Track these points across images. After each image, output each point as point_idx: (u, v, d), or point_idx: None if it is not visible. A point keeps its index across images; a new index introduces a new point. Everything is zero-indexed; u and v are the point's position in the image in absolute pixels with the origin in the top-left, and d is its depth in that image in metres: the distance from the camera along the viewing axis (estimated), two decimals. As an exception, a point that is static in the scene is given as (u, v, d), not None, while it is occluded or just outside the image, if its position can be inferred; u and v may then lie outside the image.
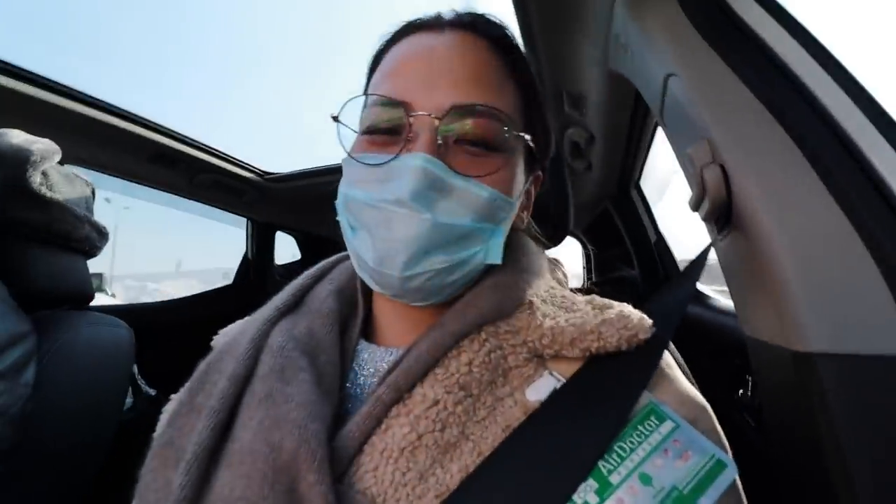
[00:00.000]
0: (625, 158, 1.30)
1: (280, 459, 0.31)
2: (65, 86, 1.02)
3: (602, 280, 2.40)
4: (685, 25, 0.53)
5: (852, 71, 0.46)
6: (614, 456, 0.31)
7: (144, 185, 1.46)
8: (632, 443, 0.32)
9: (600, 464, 0.31)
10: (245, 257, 2.07)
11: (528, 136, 0.41)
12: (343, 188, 0.40)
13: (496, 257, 0.39)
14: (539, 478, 0.31)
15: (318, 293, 0.45)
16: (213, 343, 0.46)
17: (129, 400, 1.13)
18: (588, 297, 0.43)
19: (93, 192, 1.00)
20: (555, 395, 0.35)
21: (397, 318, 0.43)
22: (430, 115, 0.36)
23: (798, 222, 0.43)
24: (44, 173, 0.82)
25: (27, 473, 0.66)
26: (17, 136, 0.81)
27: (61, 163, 0.97)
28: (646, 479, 0.30)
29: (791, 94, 0.47)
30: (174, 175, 1.45)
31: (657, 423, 0.33)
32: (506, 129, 0.38)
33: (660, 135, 1.16)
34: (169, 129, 1.31)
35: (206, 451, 0.33)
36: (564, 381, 0.36)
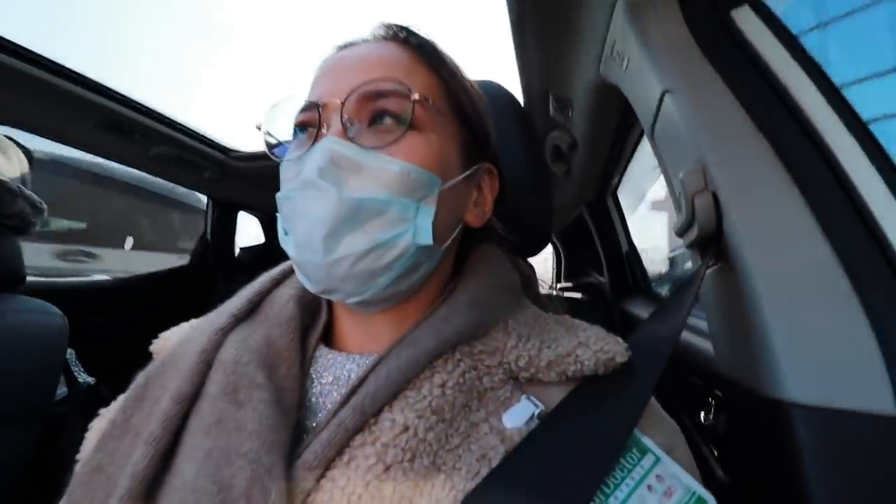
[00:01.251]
0: (605, 166, 1.29)
1: (230, 499, 0.28)
2: (2, 38, 0.90)
3: (571, 285, 2.42)
4: (687, 39, 0.50)
5: (856, 108, 0.44)
6: (599, 493, 0.29)
7: (95, 154, 1.34)
8: (615, 478, 0.30)
9: None
10: (203, 237, 1.96)
11: (450, 114, 0.41)
12: (278, 195, 0.39)
13: (426, 237, 0.37)
14: None
15: (277, 298, 0.42)
16: (152, 349, 0.42)
17: (63, 390, 1.03)
18: (558, 318, 0.42)
19: (31, 162, 0.90)
20: (537, 428, 0.32)
21: (357, 324, 0.41)
22: (335, 101, 0.36)
23: (788, 262, 0.42)
24: (-34, 137, 0.73)
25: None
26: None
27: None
28: None
29: (792, 126, 0.45)
30: (128, 146, 1.34)
31: (639, 455, 0.31)
32: (415, 99, 0.37)
33: (643, 145, 1.15)
34: (123, 95, 1.19)
35: (143, 485, 0.30)
36: (542, 407, 0.34)
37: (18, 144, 0.86)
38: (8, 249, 0.78)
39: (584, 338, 0.36)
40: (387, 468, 0.30)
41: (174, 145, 1.43)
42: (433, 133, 0.39)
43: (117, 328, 1.32)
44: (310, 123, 0.38)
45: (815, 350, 0.39)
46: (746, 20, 0.49)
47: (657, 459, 0.31)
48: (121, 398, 0.37)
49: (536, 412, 0.33)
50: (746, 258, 0.43)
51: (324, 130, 0.37)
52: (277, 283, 0.45)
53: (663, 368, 0.35)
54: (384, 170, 0.35)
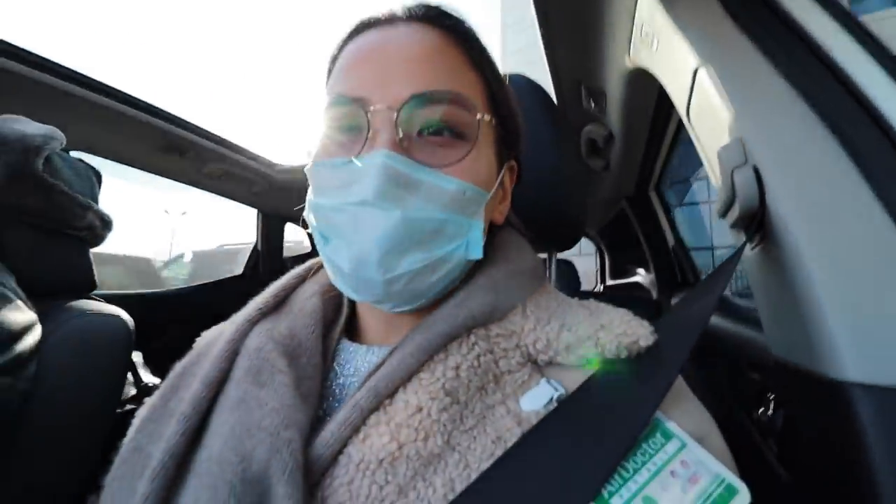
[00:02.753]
0: (645, 158, 1.24)
1: (250, 470, 0.29)
2: (74, 71, 1.00)
3: (616, 284, 2.34)
4: (718, 13, 0.48)
5: None
6: (616, 476, 0.28)
7: (154, 173, 1.45)
8: (635, 462, 0.29)
9: None
10: (255, 248, 2.07)
11: (493, 120, 0.39)
12: (310, 197, 0.38)
13: (477, 252, 0.37)
14: (536, 502, 0.27)
15: (303, 293, 0.44)
16: (194, 344, 0.44)
17: (133, 391, 1.12)
18: (584, 302, 0.40)
19: (98, 180, 0.98)
20: (555, 409, 0.31)
21: (380, 319, 0.42)
22: (387, 107, 0.34)
23: (839, 234, 0.39)
24: (47, 159, 0.81)
25: (19, 468, 0.64)
26: (21, 122, 0.79)
27: (68, 150, 0.96)
28: None
29: (836, 90, 0.42)
30: (184, 165, 1.44)
31: (663, 440, 0.30)
32: (468, 113, 0.36)
33: (684, 136, 1.10)
34: (180, 119, 1.29)
35: (174, 459, 0.32)
36: (562, 391, 0.33)
37: (89, 166, 0.94)
38: (80, 258, 0.86)
39: (607, 321, 0.35)
40: (400, 446, 0.30)
41: (225, 162, 1.53)
42: (484, 147, 0.38)
43: (180, 333, 1.41)
44: (355, 128, 0.36)
45: (876, 326, 0.36)
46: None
47: (683, 445, 0.29)
48: (160, 387, 0.39)
49: (556, 395, 0.33)
50: (794, 233, 0.41)
51: (368, 135, 0.34)
52: (303, 279, 0.46)
53: (690, 350, 0.34)
54: (442, 189, 0.34)
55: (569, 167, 0.68)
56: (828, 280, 0.38)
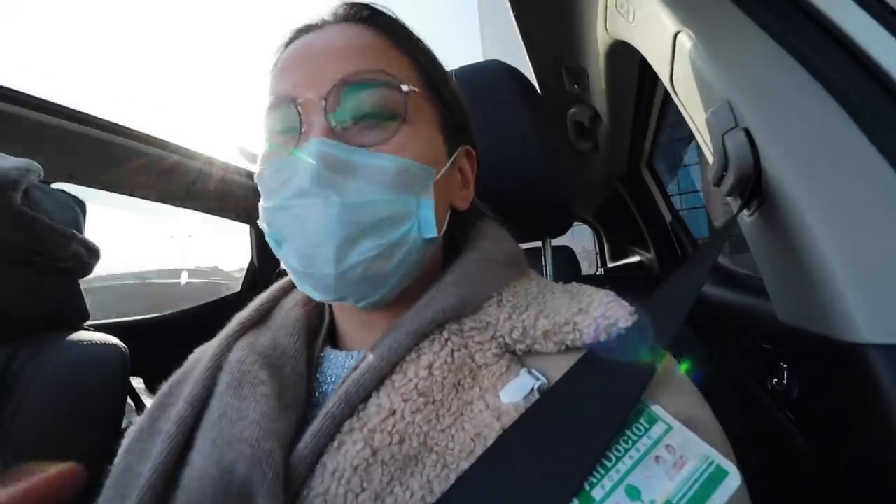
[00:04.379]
0: (633, 135, 1.23)
1: (233, 483, 0.30)
2: (48, 101, 0.98)
3: (617, 266, 2.33)
4: (694, -26, 0.46)
5: None
6: (598, 466, 0.26)
7: (140, 198, 1.43)
8: (618, 450, 0.27)
9: None
10: (251, 264, 2.05)
11: (429, 97, 0.39)
12: (260, 203, 0.38)
13: (430, 231, 0.36)
14: (518, 501, 0.26)
15: (286, 305, 0.43)
16: (185, 363, 0.44)
17: (136, 418, 1.11)
18: (568, 286, 0.39)
19: (83, 210, 0.97)
20: (536, 402, 0.30)
21: (355, 322, 0.41)
22: (317, 98, 0.34)
23: (840, 189, 0.37)
24: (25, 192, 0.79)
25: None
26: (-5, 157, 0.77)
27: (48, 181, 0.94)
28: (633, 493, 0.25)
29: (824, 40, 0.40)
30: (170, 185, 1.42)
31: (647, 425, 0.28)
32: (397, 91, 0.35)
33: (672, 108, 1.08)
34: (160, 140, 1.27)
35: (161, 477, 0.32)
36: (543, 380, 0.32)
37: (71, 196, 0.93)
38: (69, 291, 0.85)
39: (586, 304, 0.34)
40: (374, 452, 0.30)
41: (212, 179, 1.51)
42: (420, 123, 0.38)
43: (180, 357, 1.40)
44: (289, 124, 0.36)
45: (888, 283, 0.34)
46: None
47: (668, 428, 0.28)
48: (149, 406, 0.39)
49: (537, 385, 0.31)
50: (793, 193, 0.39)
51: (304, 129, 0.35)
52: (286, 291, 0.46)
53: (676, 329, 0.32)
54: (381, 168, 0.34)
55: (554, 152, 0.66)
56: (833, 239, 0.36)
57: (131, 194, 1.40)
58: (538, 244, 0.81)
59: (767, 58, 0.42)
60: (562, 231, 0.74)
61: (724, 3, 0.45)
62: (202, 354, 0.41)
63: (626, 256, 2.16)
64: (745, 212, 0.48)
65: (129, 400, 0.93)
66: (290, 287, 0.46)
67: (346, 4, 0.40)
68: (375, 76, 0.35)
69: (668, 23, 0.49)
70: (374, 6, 0.41)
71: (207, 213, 1.70)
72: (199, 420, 0.34)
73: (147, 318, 1.73)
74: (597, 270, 2.60)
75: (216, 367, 0.37)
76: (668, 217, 1.48)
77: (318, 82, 0.35)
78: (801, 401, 0.51)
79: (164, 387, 0.40)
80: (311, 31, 0.39)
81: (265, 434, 0.31)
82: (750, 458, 0.40)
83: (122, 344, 0.82)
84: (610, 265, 2.44)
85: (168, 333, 1.64)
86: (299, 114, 0.34)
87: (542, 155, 0.65)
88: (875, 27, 0.38)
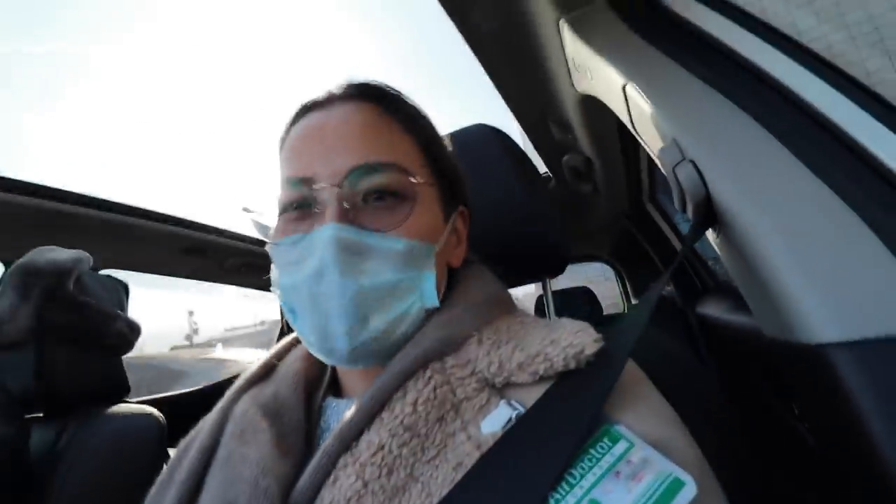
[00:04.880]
0: (629, 174, 1.28)
1: None
2: (90, 197, 1.12)
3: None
4: (628, 35, 0.54)
5: (796, 38, 0.44)
6: (563, 484, 0.28)
7: (178, 277, 1.55)
8: (582, 468, 0.29)
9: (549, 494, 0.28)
10: (281, 330, 2.13)
11: (432, 177, 0.42)
12: (274, 274, 0.41)
13: (432, 300, 0.40)
14: None
15: (290, 358, 0.47)
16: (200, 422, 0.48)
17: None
18: (548, 321, 0.41)
19: (126, 291, 1.07)
20: (510, 429, 0.32)
21: (356, 373, 0.44)
22: (331, 185, 0.37)
23: (780, 206, 0.40)
24: (77, 279, 0.90)
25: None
26: (52, 251, 0.89)
27: (97, 269, 1.05)
28: None
29: (747, 79, 0.46)
30: (205, 264, 1.54)
31: (610, 444, 0.30)
32: (406, 177, 0.39)
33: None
34: (196, 222, 1.40)
35: None
36: (521, 409, 0.34)
37: (116, 279, 1.03)
38: (112, 367, 0.93)
39: (557, 335, 0.36)
40: (365, 483, 0.32)
41: (243, 255, 1.63)
42: (426, 204, 0.41)
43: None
44: (302, 202, 0.39)
45: (837, 286, 0.36)
46: (675, 1, 0.52)
47: (630, 446, 0.30)
48: (168, 463, 0.43)
49: (514, 415, 0.33)
50: (740, 215, 0.42)
51: (317, 210, 0.38)
52: (293, 345, 0.49)
53: (629, 348, 0.35)
54: (392, 250, 0.37)
55: (541, 200, 0.72)
56: (779, 251, 0.39)
57: (171, 274, 1.52)
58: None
59: (700, 97, 0.47)
60: (559, 271, 0.78)
61: (658, 56, 0.51)
62: (212, 412, 0.44)
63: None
64: (714, 235, 0.51)
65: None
66: (296, 342, 0.49)
67: (354, 83, 0.43)
68: (386, 165, 0.39)
69: (616, 78, 0.56)
70: (379, 84, 0.44)
71: (241, 286, 1.81)
72: (208, 467, 0.38)
73: (184, 392, 1.81)
74: (624, 308, 2.56)
75: (224, 418, 0.41)
76: (678, 248, 1.49)
77: (332, 167, 0.38)
78: (801, 417, 0.51)
79: (182, 443, 0.43)
80: (319, 107, 0.42)
81: (263, 473, 0.34)
82: (769, 471, 0.41)
83: (159, 413, 0.88)
84: (634, 301, 2.40)
85: (204, 405, 1.70)
86: (315, 197, 0.38)
87: (529, 204, 0.71)
88: (787, 61, 0.44)
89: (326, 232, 0.36)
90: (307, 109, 0.43)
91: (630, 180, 1.31)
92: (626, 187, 1.36)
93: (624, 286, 2.47)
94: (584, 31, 0.59)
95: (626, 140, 1.04)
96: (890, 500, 0.32)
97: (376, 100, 0.43)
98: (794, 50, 0.44)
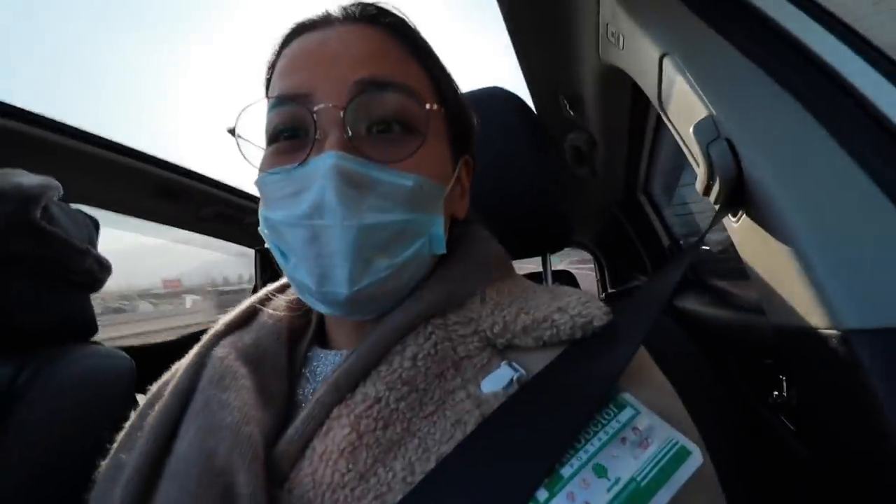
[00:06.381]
0: (629, 162, 1.27)
1: (215, 466, 0.31)
2: (66, 125, 1.04)
3: (617, 291, 2.34)
4: (674, 4, 0.51)
5: (852, 23, 0.43)
6: (568, 449, 0.28)
7: (149, 220, 1.47)
8: (587, 433, 0.28)
9: None
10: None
11: (443, 111, 0.39)
12: (262, 211, 0.37)
13: (440, 247, 0.38)
14: (494, 483, 0.27)
15: (272, 307, 0.44)
16: (173, 366, 0.45)
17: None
18: (550, 287, 0.40)
19: (96, 226, 1.00)
20: (515, 392, 0.31)
21: (347, 324, 0.41)
22: (333, 105, 0.33)
23: (817, 191, 0.40)
24: (44, 208, 0.83)
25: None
26: (18, 175, 0.81)
27: (66, 201, 0.98)
28: (600, 471, 0.27)
29: (794, 58, 0.44)
30: (179, 209, 1.47)
31: (616, 410, 0.30)
32: (417, 104, 0.35)
33: (666, 136, 1.13)
34: (172, 164, 1.32)
35: (147, 464, 0.33)
36: (522, 372, 0.33)
37: (86, 214, 0.96)
38: (80, 304, 0.87)
39: (565, 303, 0.35)
40: (360, 435, 0.31)
41: (220, 204, 1.56)
42: (436, 140, 0.38)
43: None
44: (297, 126, 0.35)
45: (868, 274, 0.36)
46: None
47: (636, 413, 0.29)
48: (139, 407, 0.40)
49: (516, 377, 0.32)
50: (774, 195, 0.42)
51: (317, 137, 0.33)
52: (277, 293, 0.47)
53: (649, 326, 0.34)
54: (399, 186, 0.34)
55: (551, 171, 0.70)
56: (812, 236, 0.39)
57: (143, 217, 1.44)
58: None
59: (742, 73, 0.45)
60: (561, 246, 0.77)
61: (701, 27, 0.49)
62: (188, 357, 0.41)
63: (626, 281, 2.18)
64: (732, 219, 0.50)
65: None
66: (283, 288, 0.47)
67: (357, 3, 0.39)
68: (396, 85, 0.35)
69: (653, 48, 0.53)
70: (385, 6, 0.39)
71: (215, 237, 1.74)
72: (184, 412, 0.35)
73: (155, 343, 1.74)
74: (599, 295, 2.61)
75: (200, 363, 0.38)
76: (666, 241, 1.51)
77: (335, 86, 0.34)
78: (800, 407, 0.52)
79: (154, 387, 0.41)
80: (317, 27, 0.38)
81: (245, 419, 0.32)
82: (751, 468, 0.41)
83: (128, 356, 0.84)
84: (610, 291, 2.45)
85: (176, 355, 1.64)
86: (314, 120, 0.33)
87: (539, 174, 0.69)
88: (832, 40, 0.42)
89: (327, 161, 0.31)
90: (302, 29, 0.39)
91: (629, 167, 1.31)
92: (623, 174, 1.35)
93: (602, 275, 2.52)
94: (625, -5, 0.56)
95: (635, 122, 1.02)
96: None
97: (381, 23, 0.38)
98: (842, 31, 0.43)
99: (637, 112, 0.98)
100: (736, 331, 0.95)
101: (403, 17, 0.40)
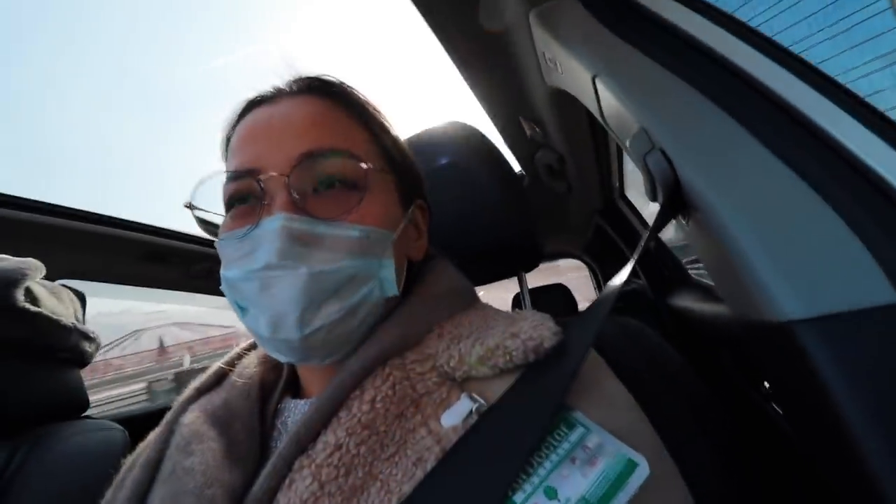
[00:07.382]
0: (600, 171, 1.30)
1: None
2: (41, 202, 1.06)
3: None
4: (596, 27, 0.54)
5: (755, 27, 0.46)
6: (521, 474, 0.28)
7: (140, 285, 1.48)
8: (539, 456, 0.29)
9: None
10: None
11: (386, 167, 0.42)
12: (222, 271, 0.39)
13: (391, 289, 0.39)
14: None
15: (243, 364, 0.45)
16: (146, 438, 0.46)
17: None
18: (511, 313, 0.41)
19: (83, 301, 1.01)
20: (473, 424, 0.32)
21: (315, 372, 0.43)
22: (279, 173, 0.36)
23: (748, 191, 0.41)
24: (27, 290, 0.84)
25: None
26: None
27: (51, 279, 0.99)
28: (550, 493, 0.27)
29: (713, 69, 0.47)
30: (168, 271, 1.48)
31: (566, 431, 0.30)
32: (356, 163, 0.38)
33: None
34: (156, 227, 1.34)
35: None
36: (482, 402, 0.33)
37: (70, 288, 0.98)
38: (70, 381, 0.87)
39: (518, 328, 0.35)
40: (322, 485, 0.31)
41: (209, 260, 1.57)
42: (378, 191, 0.40)
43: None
44: (249, 194, 0.37)
45: (801, 263, 0.37)
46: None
47: (586, 431, 0.30)
48: (113, 481, 0.41)
49: (475, 407, 0.33)
50: (709, 199, 0.43)
51: (266, 201, 0.36)
52: (247, 351, 0.48)
53: (592, 339, 0.34)
54: (345, 237, 0.36)
55: (514, 197, 0.72)
56: (748, 233, 0.40)
57: (131, 283, 1.45)
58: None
59: (668, 87, 0.48)
60: (533, 265, 0.78)
61: (625, 47, 0.52)
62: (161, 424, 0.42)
63: (623, 285, 2.18)
64: (684, 222, 0.52)
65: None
66: (250, 348, 0.48)
67: (302, 77, 0.42)
68: (335, 151, 0.37)
69: (584, 71, 0.56)
70: (328, 78, 0.43)
71: (208, 293, 1.75)
72: (152, 483, 0.36)
73: (146, 409, 1.72)
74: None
75: (169, 430, 0.39)
76: (651, 244, 1.52)
77: (281, 157, 0.36)
78: (772, 392, 0.52)
79: (128, 461, 0.42)
80: (266, 103, 0.41)
81: (208, 483, 0.33)
82: (759, 455, 0.41)
83: (120, 427, 0.83)
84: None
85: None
86: (262, 189, 0.36)
87: (503, 200, 0.71)
88: (745, 48, 0.45)
89: (275, 223, 0.34)
90: (253, 105, 0.42)
91: (602, 177, 1.33)
92: (598, 184, 1.38)
93: (598, 282, 2.52)
94: (553, 24, 0.59)
95: (597, 136, 1.05)
96: (857, 470, 0.33)
97: (325, 93, 0.42)
98: (754, 39, 0.45)
99: (596, 126, 1.01)
100: (725, 323, 0.96)
101: (345, 85, 0.43)
